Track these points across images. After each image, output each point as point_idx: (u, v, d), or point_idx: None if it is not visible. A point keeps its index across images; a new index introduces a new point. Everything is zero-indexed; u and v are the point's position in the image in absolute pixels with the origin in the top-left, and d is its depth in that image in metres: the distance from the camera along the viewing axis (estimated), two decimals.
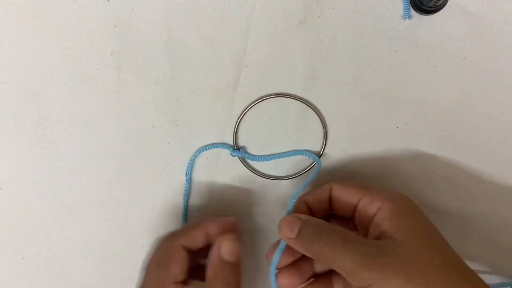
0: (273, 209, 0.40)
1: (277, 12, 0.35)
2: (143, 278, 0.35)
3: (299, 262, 0.34)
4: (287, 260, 0.34)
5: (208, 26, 0.35)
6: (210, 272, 0.34)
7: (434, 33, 0.35)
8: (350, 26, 0.35)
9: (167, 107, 0.37)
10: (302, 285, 0.35)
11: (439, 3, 0.33)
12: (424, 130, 0.37)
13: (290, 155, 0.38)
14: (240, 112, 0.37)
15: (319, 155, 0.38)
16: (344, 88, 0.36)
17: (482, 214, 0.40)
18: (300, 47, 0.35)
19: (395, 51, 0.35)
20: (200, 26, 0.35)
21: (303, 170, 0.39)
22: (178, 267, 0.34)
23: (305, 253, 0.32)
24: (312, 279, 0.35)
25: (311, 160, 0.38)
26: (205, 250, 0.35)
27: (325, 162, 0.38)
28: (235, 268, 0.34)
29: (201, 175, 0.39)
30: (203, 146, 0.38)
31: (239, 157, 0.38)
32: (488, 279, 0.43)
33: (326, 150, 0.38)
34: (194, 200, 0.40)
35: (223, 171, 0.39)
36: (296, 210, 0.34)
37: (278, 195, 0.39)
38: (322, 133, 0.38)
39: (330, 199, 0.34)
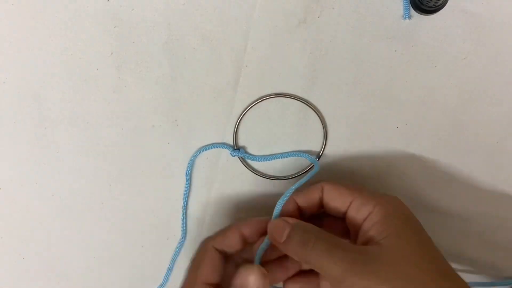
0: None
1: (277, 12, 0.35)
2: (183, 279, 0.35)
3: (286, 257, 0.34)
4: (273, 254, 0.34)
5: (208, 26, 0.35)
6: None
7: (434, 33, 0.35)
8: (350, 26, 0.35)
9: (167, 107, 0.37)
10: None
11: (439, 3, 0.33)
12: (424, 130, 0.37)
13: (290, 156, 0.38)
14: (240, 112, 0.37)
15: (319, 155, 0.38)
16: (344, 88, 0.36)
17: (482, 214, 0.40)
18: (300, 47, 0.35)
19: (395, 51, 0.35)
20: (200, 26, 0.35)
21: (303, 170, 0.39)
22: (208, 269, 0.34)
23: (293, 257, 0.32)
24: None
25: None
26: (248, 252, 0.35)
27: (325, 162, 0.38)
28: None
29: (201, 175, 0.39)
30: (203, 146, 0.38)
31: (239, 157, 0.38)
32: (488, 279, 0.43)
33: (326, 150, 0.38)
34: (194, 200, 0.40)
35: (223, 171, 0.39)
36: (286, 210, 0.34)
37: (278, 195, 0.39)
38: (322, 133, 0.38)
39: (322, 198, 0.34)
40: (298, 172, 0.39)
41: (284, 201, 0.34)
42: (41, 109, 0.36)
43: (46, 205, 0.39)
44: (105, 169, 0.38)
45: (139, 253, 0.41)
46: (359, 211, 0.32)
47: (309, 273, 0.36)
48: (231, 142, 0.38)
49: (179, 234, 0.41)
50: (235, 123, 0.37)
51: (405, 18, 0.34)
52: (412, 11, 0.34)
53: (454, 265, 0.42)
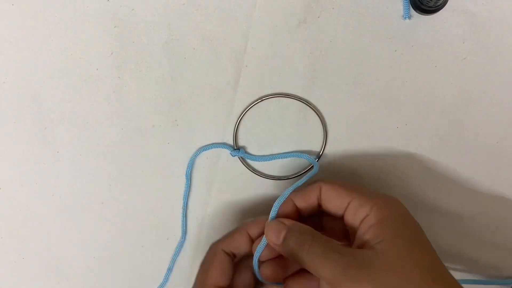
0: None
1: (277, 12, 0.35)
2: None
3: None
4: (272, 253, 0.34)
5: (208, 26, 0.35)
6: None
7: (434, 33, 0.35)
8: (350, 26, 0.35)
9: (167, 107, 0.37)
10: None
11: (439, 3, 0.33)
12: (424, 130, 0.37)
13: (290, 156, 0.38)
14: (240, 112, 0.37)
15: (319, 155, 0.38)
16: (344, 88, 0.36)
17: (482, 214, 0.40)
18: (300, 47, 0.35)
19: (395, 51, 0.35)
20: (200, 26, 0.35)
21: (303, 170, 0.39)
22: (217, 272, 0.34)
23: (289, 259, 0.32)
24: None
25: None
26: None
27: (325, 162, 0.38)
28: None
29: (201, 175, 0.39)
30: (203, 146, 0.38)
31: (239, 157, 0.38)
32: (488, 278, 0.43)
33: (326, 150, 0.38)
34: (194, 200, 0.40)
35: (223, 171, 0.39)
36: (284, 211, 0.34)
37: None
38: (322, 133, 0.38)
39: (320, 198, 0.34)
40: (298, 172, 0.39)
41: (281, 202, 0.34)
42: (41, 109, 0.36)
43: (46, 205, 0.39)
44: (105, 169, 0.38)
45: (139, 253, 0.41)
46: (357, 212, 0.31)
47: (309, 272, 0.35)
48: (231, 142, 0.38)
49: (179, 234, 0.41)
50: (235, 123, 0.37)
51: (405, 18, 0.34)
52: (412, 11, 0.34)
53: (454, 265, 0.42)
